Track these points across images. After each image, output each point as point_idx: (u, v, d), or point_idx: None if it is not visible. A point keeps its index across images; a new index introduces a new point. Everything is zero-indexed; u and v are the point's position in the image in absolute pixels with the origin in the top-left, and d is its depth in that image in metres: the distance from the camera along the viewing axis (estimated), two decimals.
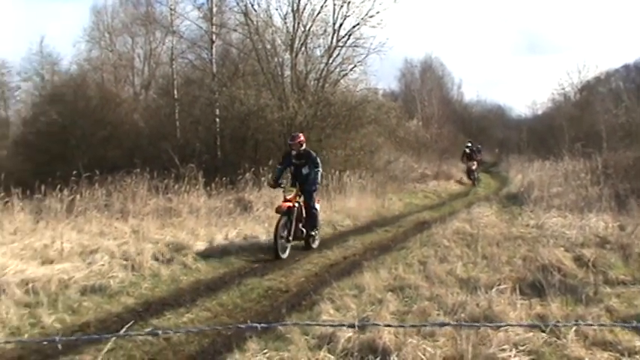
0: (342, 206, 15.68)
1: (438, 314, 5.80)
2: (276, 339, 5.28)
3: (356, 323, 2.86)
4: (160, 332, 2.65)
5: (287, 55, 22.51)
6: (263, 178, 16.23)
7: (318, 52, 23.04)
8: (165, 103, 24.64)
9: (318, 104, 20.93)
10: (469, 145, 29.22)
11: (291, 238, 10.18)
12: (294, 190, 10.58)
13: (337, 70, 22.80)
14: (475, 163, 28.63)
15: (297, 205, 10.45)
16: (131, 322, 5.93)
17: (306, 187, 10.66)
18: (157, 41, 29.22)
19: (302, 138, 10.93)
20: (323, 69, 22.36)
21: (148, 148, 21.36)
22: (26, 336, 5.78)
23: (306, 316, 6.16)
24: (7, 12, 49.03)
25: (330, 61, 22.41)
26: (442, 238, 10.45)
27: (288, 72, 22.59)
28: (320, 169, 10.75)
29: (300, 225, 10.53)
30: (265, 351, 4.92)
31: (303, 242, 10.89)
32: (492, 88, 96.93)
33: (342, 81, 23.18)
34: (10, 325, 5.97)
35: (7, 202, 12.33)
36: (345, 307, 6.26)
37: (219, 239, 10.69)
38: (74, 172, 14.43)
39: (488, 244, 9.32)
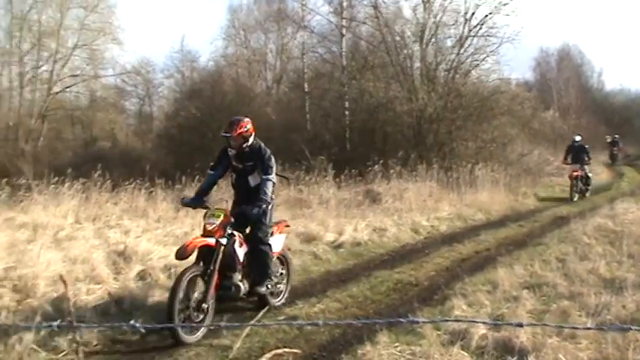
0: (473, 200, 15.28)
1: (580, 315, 5.48)
2: (407, 333, 5.22)
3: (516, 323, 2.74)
4: (293, 323, 2.66)
5: (416, 47, 22.20)
6: (392, 170, 16.14)
7: (448, 43, 22.52)
8: (296, 97, 25.20)
9: (448, 95, 20.50)
10: (577, 139, 20.34)
11: (205, 306, 5.63)
12: (221, 213, 6.10)
13: (468, 60, 22.15)
14: (581, 168, 19.21)
15: (224, 240, 5.97)
16: (265, 310, 6.07)
17: (251, 210, 6.11)
18: (289, 37, 29.97)
19: (248, 126, 6.43)
20: (454, 60, 21.83)
21: (280, 141, 21.87)
22: None
23: (438, 311, 6.04)
24: (151, 13, 52.21)
25: (462, 52, 21.82)
26: (582, 235, 9.88)
27: (417, 63, 22.27)
28: (272, 177, 6.41)
29: (234, 276, 6.10)
30: (396, 344, 4.87)
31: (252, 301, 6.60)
32: (637, 76, 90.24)
33: (473, 71, 22.49)
34: (157, 308, 6.32)
35: (151, 191, 13.11)
36: (478, 302, 6.08)
37: (349, 231, 10.73)
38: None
39: (634, 242, 8.68)
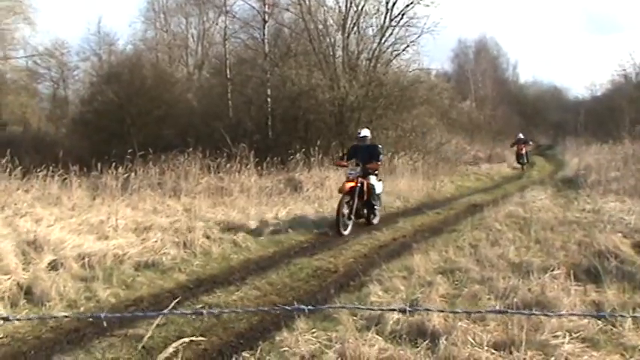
0: (392, 187, 15.56)
1: (489, 298, 5.70)
2: (324, 319, 5.28)
3: (407, 307, 2.82)
4: (204, 312, 2.64)
5: (339, 35, 22.39)
6: (313, 159, 16.25)
7: (370, 32, 22.89)
8: (218, 83, 24.91)
9: (369, 84, 20.79)
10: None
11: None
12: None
13: (389, 50, 22.60)
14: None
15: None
16: (179, 298, 5.96)
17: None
18: (211, 21, 29.55)
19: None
20: (375, 49, 22.18)
21: (201, 128, 21.64)
22: (82, 309, 5.95)
23: (355, 297, 6.14)
24: None
25: (383, 41, 22.21)
26: (494, 222, 10.27)
27: (339, 52, 22.47)
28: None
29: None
30: (313, 330, 4.93)
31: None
32: (549, 69, 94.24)
33: (394, 61, 22.98)
34: (68, 298, 6.15)
35: (65, 179, 12.71)
36: (394, 288, 6.22)
37: (270, 218, 10.75)
38: (129, 151, 14.78)
39: (542, 229, 9.10)
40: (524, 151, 26.99)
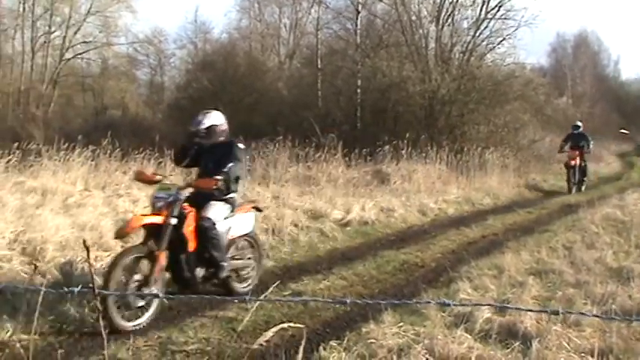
0: (482, 184, 15.27)
1: (585, 303, 5.46)
2: (411, 313, 5.22)
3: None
4: (297, 299, 2.65)
5: (432, 27, 22.03)
6: (402, 151, 16.09)
7: (465, 24, 22.40)
8: (309, 73, 25.10)
9: (462, 78, 20.36)
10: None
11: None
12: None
13: (484, 43, 22.03)
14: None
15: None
16: (276, 283, 5.68)
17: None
18: (304, 11, 29.76)
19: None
20: (469, 42, 21.68)
21: (291, 116, 21.86)
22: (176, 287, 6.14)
23: (443, 293, 6.05)
24: None
25: (478, 34, 21.68)
26: (590, 224, 9.85)
27: (432, 44, 22.10)
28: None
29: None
30: (400, 324, 4.88)
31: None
32: None
33: (488, 55, 22.39)
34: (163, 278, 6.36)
35: (160, 162, 13.14)
36: (483, 287, 6.08)
37: (356, 210, 10.73)
38: None
39: None
40: (577, 163, 17.12)
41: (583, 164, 17.34)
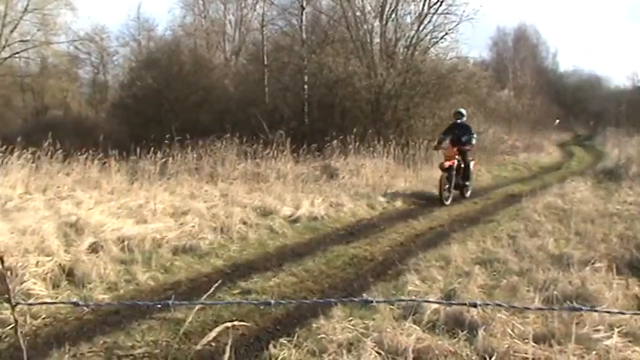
0: (428, 176, 15.45)
1: (528, 290, 5.62)
2: (360, 307, 5.27)
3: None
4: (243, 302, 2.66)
5: (376, 23, 22.23)
6: (350, 146, 16.20)
7: (408, 19, 22.65)
8: (255, 69, 25.01)
9: (407, 72, 20.61)
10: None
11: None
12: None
13: (428, 37, 22.35)
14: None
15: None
16: (218, 282, 5.90)
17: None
18: (249, 7, 29.58)
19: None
20: (413, 36, 21.95)
21: (238, 113, 21.75)
22: (121, 292, 6.05)
23: (392, 286, 6.12)
24: None
25: (421, 29, 21.97)
26: (532, 212, 10.15)
27: (377, 39, 22.31)
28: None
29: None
30: (350, 319, 4.93)
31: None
32: (590, 58, 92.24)
33: (432, 49, 22.75)
34: (108, 280, 6.26)
35: (104, 162, 12.91)
36: (431, 278, 6.18)
37: (306, 205, 10.75)
38: (167, 136, 14.97)
39: (581, 221, 8.95)
40: (453, 164, 12.75)
41: (463, 165, 13.14)
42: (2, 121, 24.78)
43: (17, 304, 2.00)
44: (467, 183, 13.54)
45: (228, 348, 2.50)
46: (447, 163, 12.55)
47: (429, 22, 22.02)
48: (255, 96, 23.08)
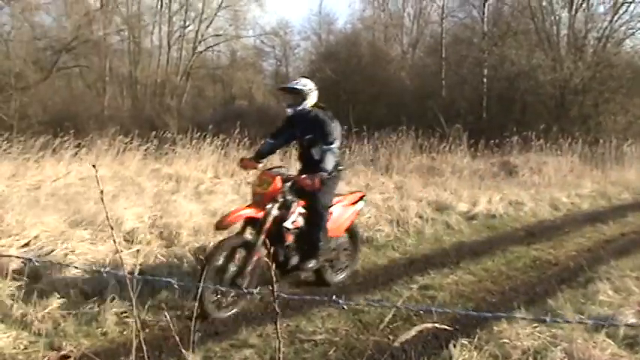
0: (619, 177, 14.34)
1: None
2: (545, 313, 4.97)
3: None
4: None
5: (565, 13, 21.03)
6: (531, 142, 15.45)
7: (601, 9, 21.16)
8: (432, 62, 24.74)
9: (597, 66, 19.28)
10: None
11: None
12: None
13: (623, 28, 20.73)
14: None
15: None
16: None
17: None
18: (428, 0, 29.22)
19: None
20: (606, 27, 20.46)
21: (414, 106, 21.61)
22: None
23: (580, 294, 5.70)
24: None
25: (615, 19, 20.39)
26: None
27: (564, 31, 21.07)
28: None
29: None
30: (535, 325, 4.65)
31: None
32: None
33: (627, 40, 21.04)
34: None
35: (286, 151, 13.39)
36: (625, 289, 5.66)
37: (483, 202, 10.39)
38: (344, 127, 15.20)
39: None
40: (264, 212, 5.36)
41: (308, 218, 5.76)
42: (196, 110, 26.77)
43: (279, 294, 2.08)
44: (310, 261, 5.72)
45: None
46: (244, 214, 5.40)
47: (626, 11, 20.40)
48: (432, 89, 22.81)
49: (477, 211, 9.86)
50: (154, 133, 12.86)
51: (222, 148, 12.62)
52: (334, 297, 2.33)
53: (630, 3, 20.21)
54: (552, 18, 20.96)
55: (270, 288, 2.06)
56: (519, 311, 4.92)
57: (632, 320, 4.58)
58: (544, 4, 20.87)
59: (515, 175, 14.00)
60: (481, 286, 6.25)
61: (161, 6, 27.75)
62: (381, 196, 10.10)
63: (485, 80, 21.12)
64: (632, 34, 20.76)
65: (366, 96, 23.03)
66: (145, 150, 12.01)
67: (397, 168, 13.83)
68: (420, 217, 9.04)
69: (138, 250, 6.06)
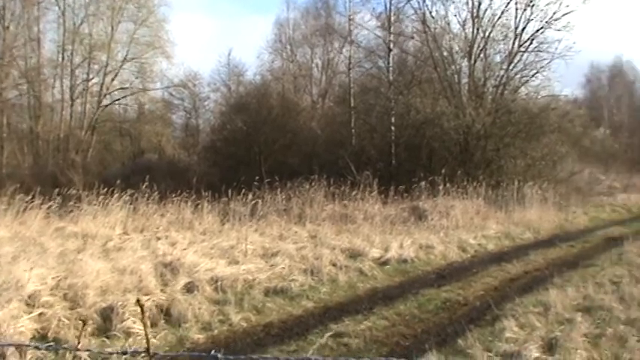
0: (521, 218, 15.00)
1: (638, 340, 5.27)
2: (456, 353, 5.11)
3: None
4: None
5: (464, 62, 22.08)
6: (439, 187, 15.96)
7: (497, 58, 22.36)
8: (342, 111, 25.24)
9: (496, 112, 20.25)
10: None
11: None
12: None
13: (518, 76, 21.89)
14: None
15: None
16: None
17: None
18: (335, 51, 30.06)
19: None
20: (502, 75, 21.59)
21: (325, 155, 21.91)
22: (216, 332, 6.11)
23: (488, 332, 5.89)
24: (200, 28, 53.11)
25: (511, 68, 21.57)
26: (637, 257, 9.60)
27: (465, 79, 22.10)
28: None
29: None
30: None
31: None
32: None
33: (522, 88, 22.24)
34: (202, 320, 6.36)
35: (197, 204, 13.26)
36: (529, 325, 5.90)
37: (394, 247, 10.61)
38: (257, 177, 15.27)
39: None
40: None
41: None
42: (103, 164, 26.08)
43: (155, 354, 1.99)
44: None
45: None
46: None
47: (520, 60, 21.60)
48: (342, 138, 23.22)
49: (389, 257, 10.03)
50: (57, 190, 12.38)
51: (131, 203, 12.32)
52: (212, 352, 2.17)
53: (523, 52, 21.48)
54: (453, 67, 21.95)
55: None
56: (431, 353, 5.00)
57: (535, 355, 4.74)
58: (445, 54, 21.85)
59: (424, 219, 14.36)
60: (394, 330, 6.33)
61: (62, 58, 27.00)
62: (294, 246, 10.12)
63: (393, 128, 21.68)
64: (526, 81, 21.96)
65: (277, 146, 23.18)
66: (48, 208, 11.53)
67: (310, 217, 13.92)
68: (334, 264, 9.10)
69: (40, 314, 5.76)
